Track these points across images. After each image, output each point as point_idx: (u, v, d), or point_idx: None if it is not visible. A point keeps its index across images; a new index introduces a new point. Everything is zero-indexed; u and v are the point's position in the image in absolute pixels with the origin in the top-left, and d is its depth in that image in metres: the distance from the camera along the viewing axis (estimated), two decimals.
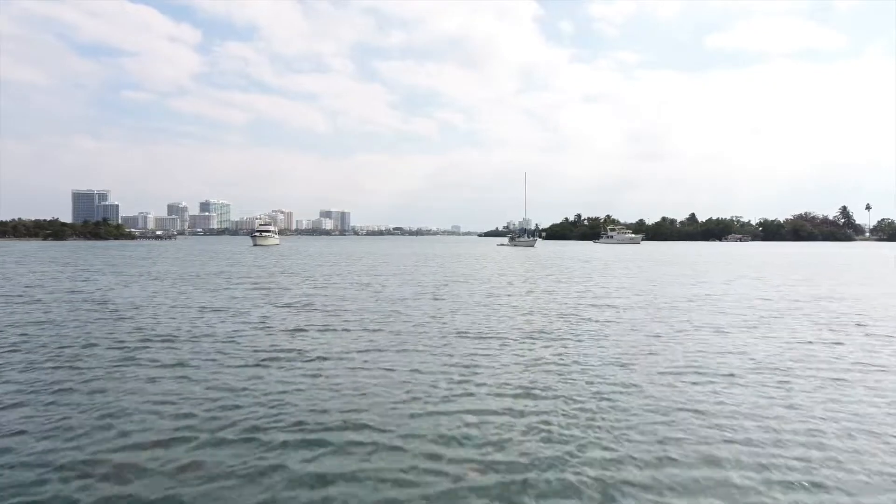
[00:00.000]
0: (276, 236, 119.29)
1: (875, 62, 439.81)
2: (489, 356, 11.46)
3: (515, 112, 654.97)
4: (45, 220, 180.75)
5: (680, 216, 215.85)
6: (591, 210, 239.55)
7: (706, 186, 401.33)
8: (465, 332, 14.07)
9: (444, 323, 15.51)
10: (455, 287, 25.89)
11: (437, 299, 21.07)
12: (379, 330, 14.39)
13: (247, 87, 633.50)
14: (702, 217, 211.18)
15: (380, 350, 12.01)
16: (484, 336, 13.63)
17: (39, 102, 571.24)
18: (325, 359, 11.25)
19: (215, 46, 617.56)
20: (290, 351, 11.92)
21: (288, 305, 19.14)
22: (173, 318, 16.22)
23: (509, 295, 22.70)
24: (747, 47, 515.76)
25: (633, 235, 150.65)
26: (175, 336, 13.52)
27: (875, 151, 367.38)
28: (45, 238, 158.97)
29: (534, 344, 12.66)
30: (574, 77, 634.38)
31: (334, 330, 14.37)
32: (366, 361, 10.96)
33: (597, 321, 15.89)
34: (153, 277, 30.97)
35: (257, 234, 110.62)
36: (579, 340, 13.10)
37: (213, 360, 11.12)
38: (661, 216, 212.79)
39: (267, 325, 15.01)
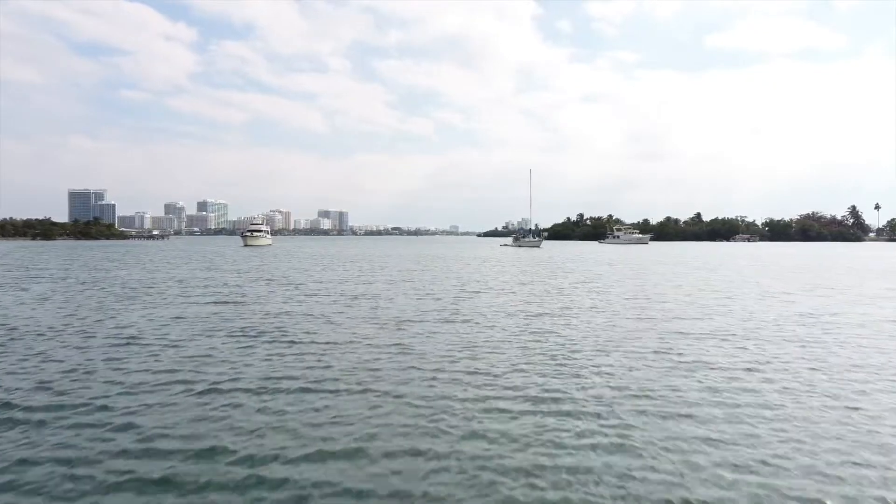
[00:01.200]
0: (269, 236, 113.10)
1: (875, 62, 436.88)
2: (571, 448, 5.90)
3: (514, 112, 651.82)
4: (35, 220, 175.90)
5: (681, 216, 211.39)
6: (592, 210, 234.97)
7: (706, 186, 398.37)
8: (514, 393, 8.46)
9: (474, 372, 9.86)
10: (472, 301, 20.31)
11: (452, 321, 15.45)
12: (369, 388, 8.79)
13: (244, 86, 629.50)
14: (705, 217, 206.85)
15: (372, 441, 6.44)
16: (542, 398, 8.04)
17: (37, 102, 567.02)
18: (255, 464, 5.69)
19: (212, 45, 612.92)
20: (202, 439, 6.37)
21: (243, 333, 13.51)
22: (55, 360, 10.60)
23: (546, 314, 17.07)
24: (747, 47, 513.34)
25: (640, 235, 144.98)
26: (11, 393, 7.93)
27: (875, 151, 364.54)
28: (34, 238, 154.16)
29: (634, 416, 7.07)
30: (573, 77, 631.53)
31: (293, 388, 8.77)
32: (337, 480, 5.39)
33: (719, 370, 10.17)
34: (97, 287, 25.37)
35: (248, 234, 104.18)
36: (726, 411, 7.50)
37: (37, 458, 5.52)
38: (663, 216, 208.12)
39: (190, 377, 9.38)
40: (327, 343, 12.28)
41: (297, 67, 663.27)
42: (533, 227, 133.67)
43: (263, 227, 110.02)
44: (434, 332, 13.67)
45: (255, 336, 13.09)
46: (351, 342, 12.39)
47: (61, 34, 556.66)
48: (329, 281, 28.50)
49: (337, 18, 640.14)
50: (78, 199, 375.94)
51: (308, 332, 13.58)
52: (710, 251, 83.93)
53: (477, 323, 15.18)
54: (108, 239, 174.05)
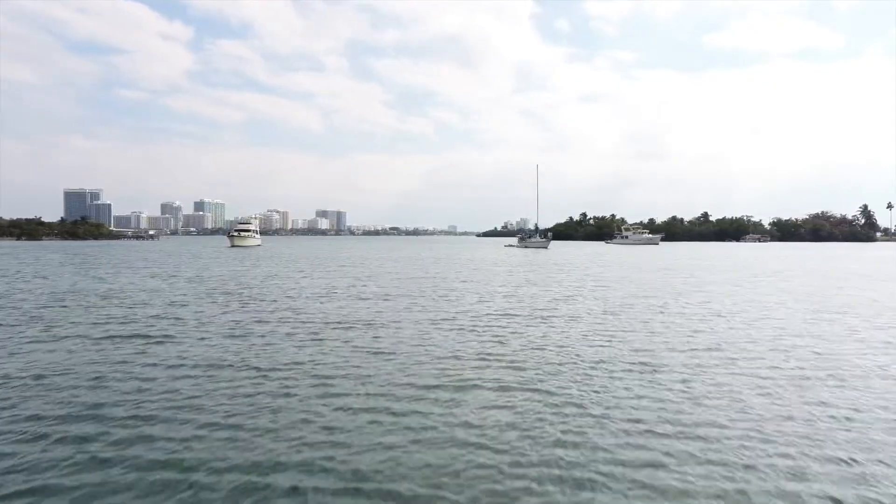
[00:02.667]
0: (257, 236, 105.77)
1: (875, 62, 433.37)
2: None
3: (512, 112, 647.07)
4: (23, 220, 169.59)
5: (682, 216, 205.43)
6: (591, 209, 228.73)
7: (706, 186, 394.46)
8: None
9: None
10: (508, 332, 13.70)
11: (490, 385, 8.74)
12: None
13: (242, 85, 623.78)
14: (710, 216, 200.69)
15: None
16: None
17: (33, 101, 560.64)
18: None
19: (208, 44, 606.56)
20: None
21: (84, 425, 6.93)
22: None
23: (656, 368, 10.33)
24: (746, 47, 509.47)
25: (650, 235, 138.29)
26: None
27: (875, 151, 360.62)
28: (19, 238, 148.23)
29: None
30: (571, 76, 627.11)
31: None
32: None
33: None
34: None
35: (235, 233, 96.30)
36: None
37: None
38: (663, 216, 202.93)
39: None
40: (246, 475, 5.66)
41: (295, 66, 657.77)
42: (532, 227, 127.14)
43: (252, 227, 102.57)
44: (468, 419, 7.03)
45: (104, 432, 6.45)
46: (296, 458, 5.77)
47: (57, 33, 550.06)
48: (306, 295, 21.86)
49: (333, 17, 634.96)
50: (73, 199, 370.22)
51: (220, 423, 6.95)
52: (730, 253, 77.38)
53: (540, 391, 8.57)
54: (96, 239, 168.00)
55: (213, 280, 28.60)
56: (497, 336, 13.25)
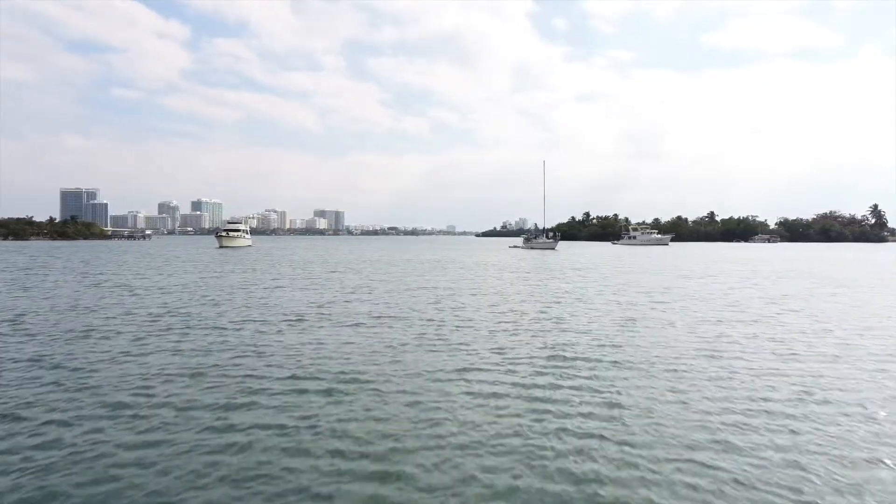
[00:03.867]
0: (248, 236, 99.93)
1: (873, 61, 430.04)
2: None
3: (511, 111, 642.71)
4: (13, 219, 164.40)
5: (684, 215, 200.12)
6: (590, 209, 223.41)
7: (706, 186, 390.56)
8: None
9: None
10: (597, 402, 8.11)
11: None
12: None
13: (239, 84, 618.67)
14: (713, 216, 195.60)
15: None
16: None
17: (30, 100, 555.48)
18: None
19: (205, 43, 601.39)
20: None
21: None
22: None
23: None
24: (744, 46, 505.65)
25: (660, 236, 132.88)
26: None
27: (873, 151, 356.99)
28: (6, 238, 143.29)
29: None
30: (569, 75, 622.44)
31: None
32: None
33: None
34: None
35: (223, 233, 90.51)
36: None
37: None
38: (665, 215, 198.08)
39: None
40: None
41: (292, 66, 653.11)
42: (534, 226, 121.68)
43: (241, 227, 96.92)
44: None
45: None
46: None
47: (53, 31, 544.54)
48: (267, 319, 16.32)
49: (331, 15, 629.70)
50: (70, 199, 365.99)
51: None
52: (752, 255, 71.80)
53: None
54: (86, 239, 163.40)
55: (163, 292, 22.98)
56: (559, 407, 7.73)
